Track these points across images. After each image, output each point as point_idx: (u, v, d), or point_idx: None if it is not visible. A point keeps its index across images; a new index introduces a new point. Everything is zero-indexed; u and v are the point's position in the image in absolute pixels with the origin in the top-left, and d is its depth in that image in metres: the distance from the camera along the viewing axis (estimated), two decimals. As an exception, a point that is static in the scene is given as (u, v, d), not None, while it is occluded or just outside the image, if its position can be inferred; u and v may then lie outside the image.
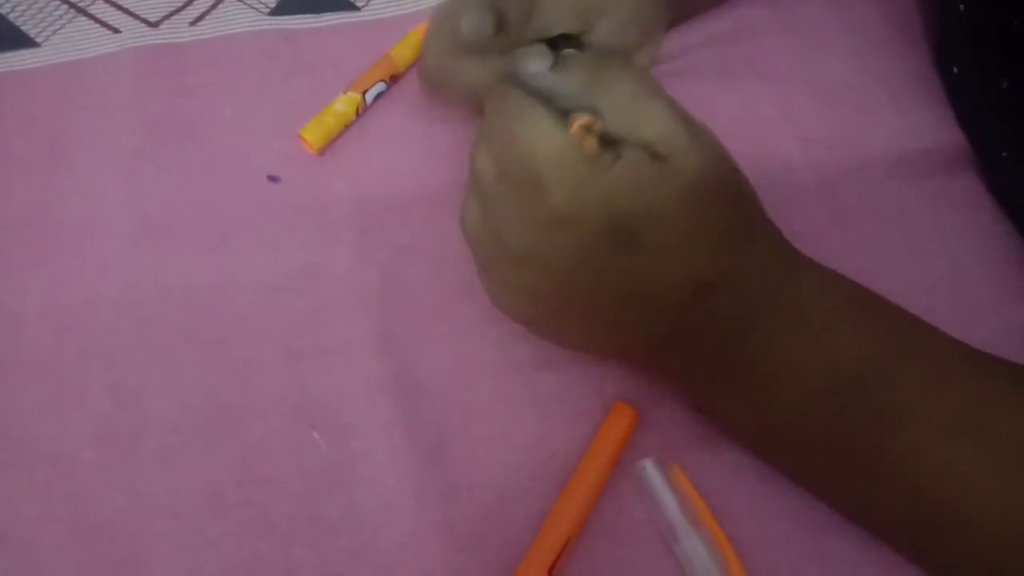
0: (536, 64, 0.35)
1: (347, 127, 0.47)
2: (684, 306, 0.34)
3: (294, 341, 0.42)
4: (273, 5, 0.51)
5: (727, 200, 0.34)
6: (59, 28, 0.51)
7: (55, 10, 0.51)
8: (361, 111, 0.47)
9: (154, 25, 0.51)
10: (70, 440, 0.41)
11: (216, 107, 0.48)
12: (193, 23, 0.51)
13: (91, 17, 0.51)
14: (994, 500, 0.32)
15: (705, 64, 0.48)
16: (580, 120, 0.32)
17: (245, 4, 0.51)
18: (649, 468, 0.38)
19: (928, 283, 0.43)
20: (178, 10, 0.51)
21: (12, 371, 0.42)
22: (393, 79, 0.48)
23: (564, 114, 0.33)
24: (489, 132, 0.35)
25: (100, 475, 0.40)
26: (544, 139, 0.32)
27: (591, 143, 0.32)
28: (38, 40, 0.50)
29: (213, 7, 0.51)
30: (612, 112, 0.33)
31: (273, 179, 0.46)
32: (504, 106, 0.34)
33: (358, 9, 0.51)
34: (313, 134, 0.46)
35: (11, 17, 0.51)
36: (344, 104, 0.46)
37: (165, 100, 0.48)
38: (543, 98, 0.34)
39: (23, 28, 0.51)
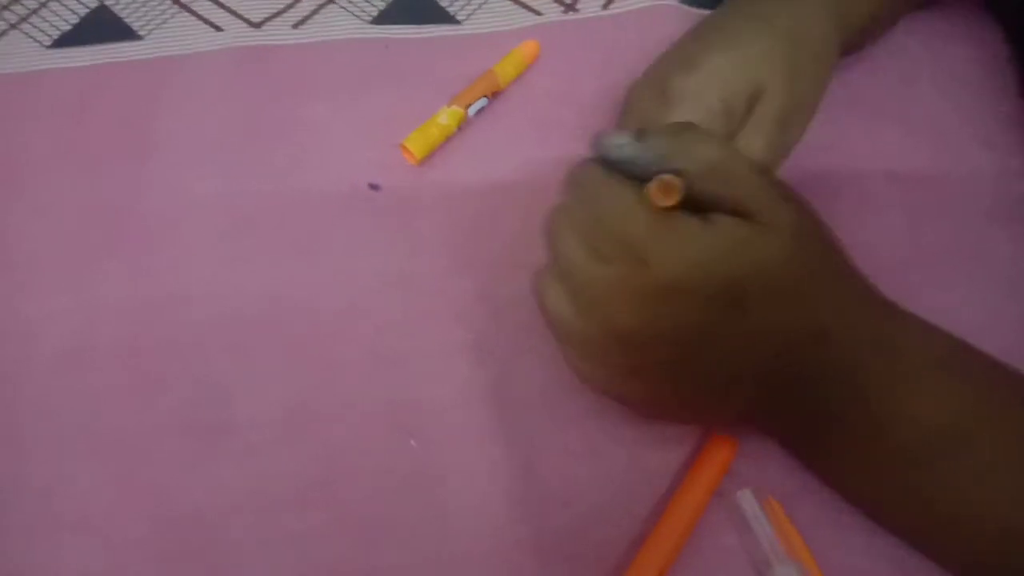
0: (618, 136, 0.34)
1: (448, 139, 0.47)
2: (790, 362, 0.34)
3: (384, 346, 0.42)
4: (375, 14, 0.51)
5: (821, 252, 0.34)
6: (162, 23, 0.51)
7: (159, 4, 0.52)
8: (462, 125, 0.47)
9: (257, 26, 0.51)
10: (152, 432, 0.40)
11: (313, 111, 0.48)
12: (295, 26, 0.51)
13: (194, 14, 0.51)
14: None
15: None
16: (658, 179, 0.32)
17: (347, 11, 0.51)
18: (747, 498, 0.38)
19: (1008, 322, 0.43)
20: (281, 12, 0.51)
21: (93, 361, 0.42)
22: (494, 95, 0.48)
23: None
24: (572, 212, 0.34)
25: (182, 468, 0.40)
26: (636, 212, 0.32)
27: (670, 197, 0.31)
28: (141, 33, 0.51)
29: (316, 11, 0.51)
30: (697, 175, 0.32)
31: (374, 187, 0.46)
32: (587, 181, 0.34)
33: (459, 23, 0.51)
34: (416, 145, 0.46)
35: (116, 9, 0.52)
36: (448, 117, 0.47)
37: (262, 101, 0.49)
38: (626, 170, 0.33)
39: (127, 20, 0.51)
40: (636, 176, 0.33)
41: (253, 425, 0.40)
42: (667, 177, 0.31)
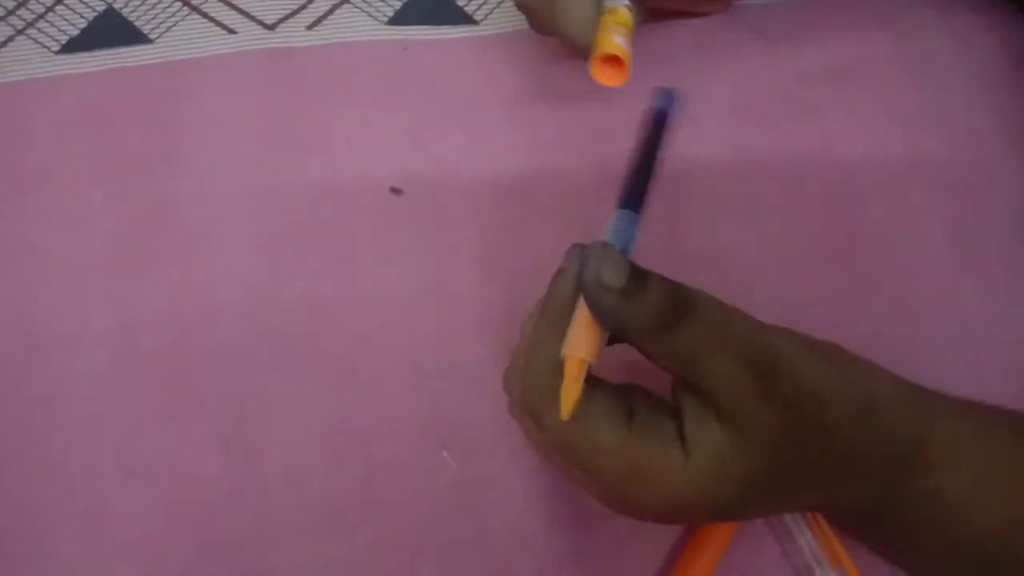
0: (613, 276, 0.29)
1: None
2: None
3: (420, 358, 0.42)
4: (391, 14, 0.50)
5: (819, 431, 0.30)
6: (172, 25, 0.50)
7: (168, 6, 0.51)
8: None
9: (270, 28, 0.50)
10: (193, 451, 0.40)
11: (334, 115, 0.48)
12: (310, 27, 0.50)
13: (205, 16, 0.50)
14: None
15: (830, 101, 0.47)
16: (569, 358, 0.30)
17: (362, 11, 0.50)
18: (786, 507, 0.38)
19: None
20: (294, 13, 0.50)
21: (130, 378, 0.42)
22: None
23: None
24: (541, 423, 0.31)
25: (224, 491, 0.40)
26: (619, 461, 0.30)
27: (570, 398, 0.29)
28: (151, 36, 0.50)
29: (330, 12, 0.50)
30: (674, 360, 0.30)
31: (396, 191, 0.46)
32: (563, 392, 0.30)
33: (476, 23, 0.50)
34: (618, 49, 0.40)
35: (124, 12, 0.50)
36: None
37: (287, 107, 0.48)
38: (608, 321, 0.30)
39: (136, 23, 0.50)
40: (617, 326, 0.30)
41: (293, 445, 0.41)
42: (575, 360, 0.29)
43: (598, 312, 0.30)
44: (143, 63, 0.49)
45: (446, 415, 0.41)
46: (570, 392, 0.29)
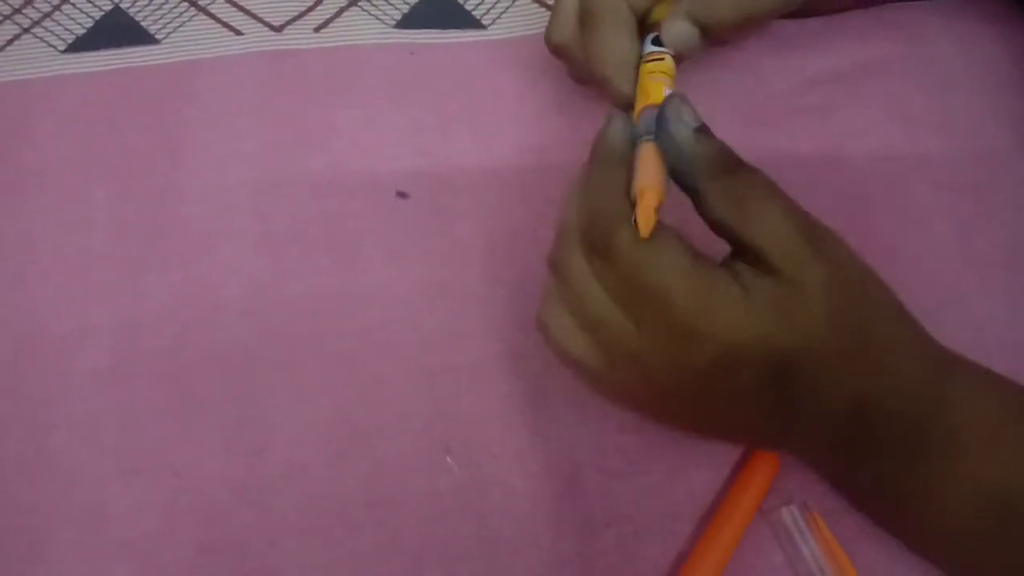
0: (690, 117, 0.32)
1: None
2: (841, 426, 0.33)
3: (424, 358, 0.42)
4: (398, 17, 0.51)
5: (861, 306, 0.32)
6: (179, 26, 0.50)
7: (175, 7, 0.51)
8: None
9: (277, 30, 0.50)
10: (194, 450, 0.40)
11: (340, 116, 0.48)
12: (317, 30, 0.50)
13: (212, 17, 0.50)
14: None
15: (838, 100, 0.48)
16: (647, 198, 0.31)
17: (370, 14, 0.50)
18: (791, 514, 0.38)
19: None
20: (302, 15, 0.50)
21: (131, 377, 0.41)
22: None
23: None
24: (600, 270, 0.32)
25: (226, 490, 0.39)
26: (676, 279, 0.31)
27: (648, 222, 0.31)
28: (158, 37, 0.50)
29: (337, 15, 0.50)
30: (730, 204, 0.32)
31: (402, 195, 0.45)
32: (621, 244, 0.31)
33: (484, 27, 0.51)
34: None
35: (131, 12, 0.50)
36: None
37: (292, 109, 0.48)
38: (672, 162, 0.32)
39: (143, 24, 0.50)
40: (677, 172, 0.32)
41: (296, 444, 0.40)
42: (652, 190, 0.31)
43: (673, 146, 0.32)
44: (149, 63, 0.49)
45: (451, 415, 0.41)
46: (647, 216, 0.30)
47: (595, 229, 0.32)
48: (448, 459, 0.40)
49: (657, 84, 0.37)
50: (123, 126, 0.47)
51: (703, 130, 0.32)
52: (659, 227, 0.31)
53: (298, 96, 0.48)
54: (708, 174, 0.32)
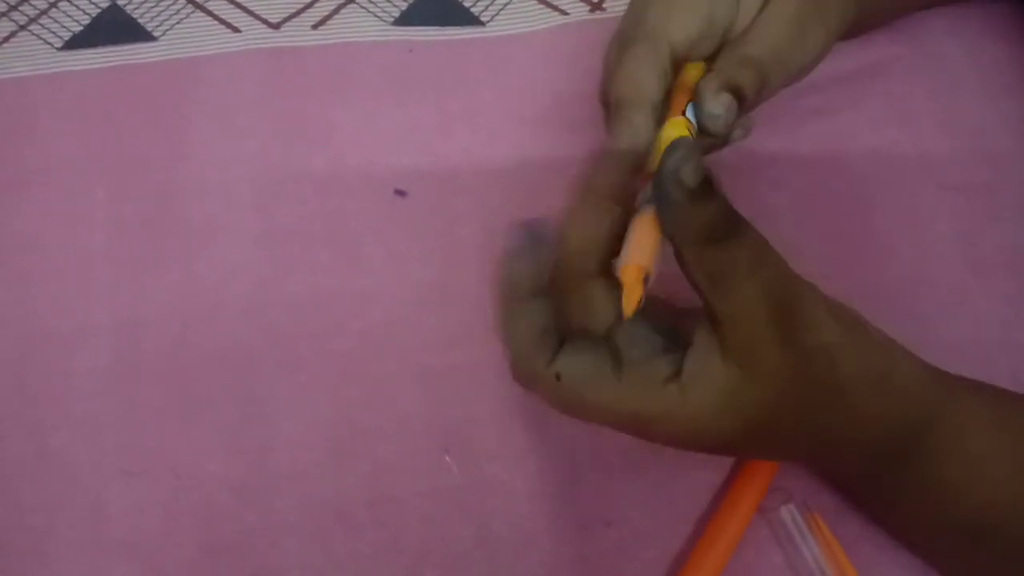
0: (691, 176, 0.28)
1: None
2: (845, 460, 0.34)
3: (425, 359, 0.42)
4: (397, 15, 0.50)
5: (828, 388, 0.31)
6: (177, 23, 0.50)
7: (173, 3, 0.50)
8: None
9: (275, 27, 0.50)
10: (195, 450, 0.40)
11: (339, 113, 0.48)
12: (315, 27, 0.50)
13: (210, 14, 0.50)
14: None
15: (841, 102, 0.47)
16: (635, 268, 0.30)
17: (368, 11, 0.50)
18: (791, 514, 0.38)
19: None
20: (299, 12, 0.50)
21: (132, 377, 0.41)
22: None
23: None
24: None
25: (227, 490, 0.39)
26: (618, 397, 0.31)
27: (633, 299, 0.30)
28: (155, 34, 0.50)
29: (336, 11, 0.50)
30: (706, 275, 0.30)
31: (400, 193, 0.45)
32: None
33: (483, 24, 0.50)
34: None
35: (128, 9, 0.50)
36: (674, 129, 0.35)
37: (287, 105, 0.48)
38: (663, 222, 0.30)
39: (140, 21, 0.50)
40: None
41: (298, 444, 0.40)
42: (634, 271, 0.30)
43: (665, 209, 0.29)
44: (147, 60, 0.49)
45: (451, 415, 0.41)
46: (629, 298, 0.30)
47: (517, 368, 0.32)
48: (448, 459, 0.40)
49: (679, 111, 0.34)
50: (122, 123, 0.47)
51: (701, 191, 0.28)
52: (571, 350, 0.31)
53: (297, 93, 0.48)
54: (693, 241, 0.29)
